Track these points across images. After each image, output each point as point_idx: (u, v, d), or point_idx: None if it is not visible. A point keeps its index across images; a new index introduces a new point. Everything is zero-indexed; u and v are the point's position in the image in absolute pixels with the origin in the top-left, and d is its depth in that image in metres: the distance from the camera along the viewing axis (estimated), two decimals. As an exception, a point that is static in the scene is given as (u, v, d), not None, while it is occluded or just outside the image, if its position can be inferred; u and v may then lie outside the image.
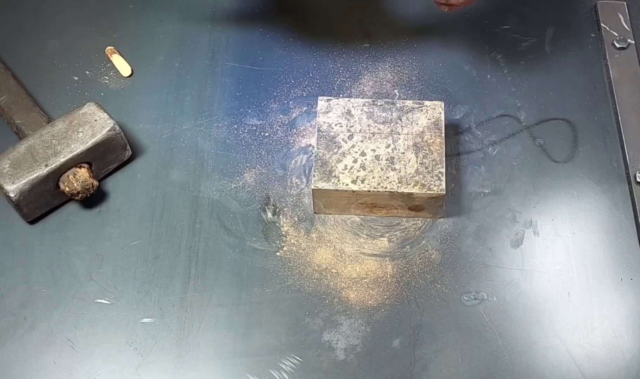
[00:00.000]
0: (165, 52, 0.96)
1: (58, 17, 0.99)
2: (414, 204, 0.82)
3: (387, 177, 0.80)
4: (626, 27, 0.97)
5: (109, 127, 0.82)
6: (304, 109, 0.91)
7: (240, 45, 0.96)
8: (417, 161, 0.81)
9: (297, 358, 0.76)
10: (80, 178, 0.80)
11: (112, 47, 0.95)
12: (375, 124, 0.83)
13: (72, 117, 0.82)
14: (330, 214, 0.84)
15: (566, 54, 0.95)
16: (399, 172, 0.81)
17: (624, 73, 0.93)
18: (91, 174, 0.81)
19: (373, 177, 0.81)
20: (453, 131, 0.89)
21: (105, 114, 0.83)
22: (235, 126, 0.90)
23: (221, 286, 0.80)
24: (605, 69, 0.94)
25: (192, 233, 0.83)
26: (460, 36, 0.98)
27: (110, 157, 0.84)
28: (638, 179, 0.85)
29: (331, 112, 0.84)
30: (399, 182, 0.80)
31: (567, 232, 0.83)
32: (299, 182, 0.86)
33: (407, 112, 0.84)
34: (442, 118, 0.84)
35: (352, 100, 0.85)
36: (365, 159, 0.82)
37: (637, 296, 0.79)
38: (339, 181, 0.81)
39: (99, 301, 0.79)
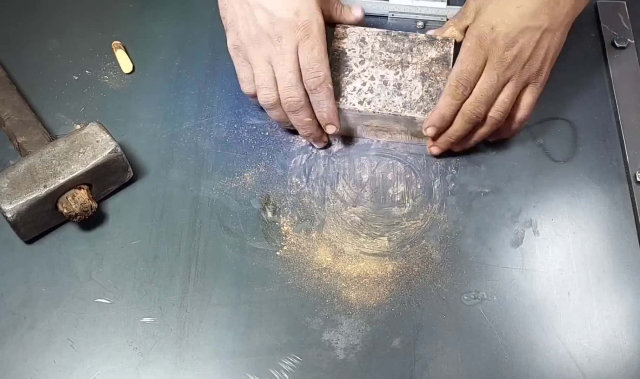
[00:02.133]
0: (166, 51, 0.96)
1: (58, 16, 0.99)
2: (416, 130, 0.85)
3: (393, 101, 0.84)
4: (626, 26, 0.97)
5: (110, 149, 0.81)
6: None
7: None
8: (422, 89, 0.85)
9: (297, 357, 0.76)
10: (79, 200, 0.79)
11: (118, 42, 0.95)
12: (387, 53, 0.87)
13: (74, 137, 0.82)
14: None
15: (566, 54, 0.94)
16: (404, 97, 0.85)
17: (623, 73, 0.93)
18: (90, 196, 0.80)
19: (379, 100, 0.85)
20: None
21: (107, 135, 0.82)
22: (235, 126, 0.90)
23: (221, 286, 0.80)
24: (605, 68, 0.94)
25: (192, 233, 0.83)
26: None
27: (111, 179, 0.83)
28: (638, 179, 0.85)
29: (346, 38, 0.88)
30: (403, 107, 0.84)
31: (567, 232, 0.83)
32: (299, 182, 0.86)
33: (419, 44, 0.88)
34: (452, 52, 0.87)
35: (367, 29, 0.89)
36: (374, 83, 0.86)
37: (637, 295, 0.79)
38: (346, 100, 0.85)
39: (99, 300, 0.79)
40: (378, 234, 0.83)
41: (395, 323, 0.78)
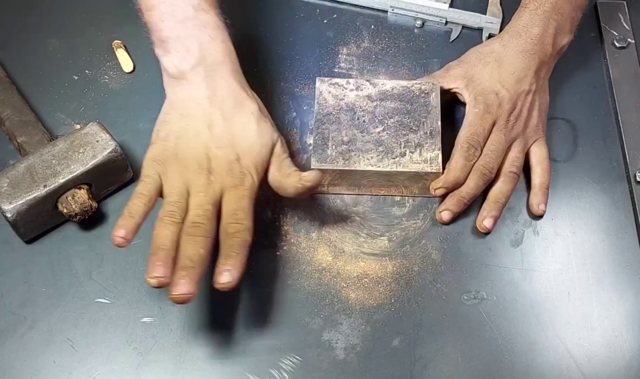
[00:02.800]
0: (165, 51, 0.95)
1: (58, 16, 0.99)
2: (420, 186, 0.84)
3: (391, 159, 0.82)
4: (626, 26, 0.97)
5: (110, 149, 0.81)
6: (304, 108, 0.91)
7: (240, 44, 0.96)
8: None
9: (297, 357, 0.76)
10: (79, 200, 0.79)
11: (119, 41, 0.95)
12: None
13: (73, 136, 0.82)
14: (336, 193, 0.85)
15: (566, 54, 0.95)
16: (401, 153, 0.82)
17: (624, 72, 0.93)
18: (90, 196, 0.80)
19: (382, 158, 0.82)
20: (454, 130, 0.89)
21: (107, 135, 0.82)
22: (235, 126, 0.90)
23: (221, 286, 0.80)
24: (605, 68, 0.95)
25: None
26: (461, 35, 0.98)
27: (111, 179, 0.83)
28: (638, 179, 0.85)
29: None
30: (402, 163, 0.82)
31: (567, 232, 0.83)
32: (299, 182, 0.86)
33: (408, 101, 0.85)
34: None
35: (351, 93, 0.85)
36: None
37: (637, 295, 0.79)
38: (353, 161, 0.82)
39: (99, 300, 0.79)
40: (378, 234, 0.83)
41: (395, 322, 0.78)
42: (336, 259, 0.81)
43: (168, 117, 0.78)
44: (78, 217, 0.80)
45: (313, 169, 0.80)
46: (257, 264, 0.81)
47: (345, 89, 0.85)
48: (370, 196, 0.85)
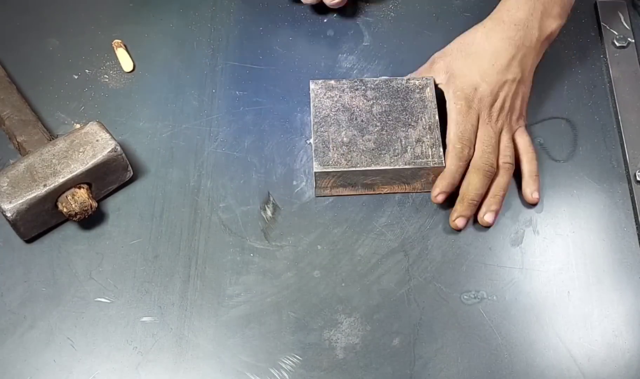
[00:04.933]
0: (165, 50, 0.95)
1: (57, 15, 0.98)
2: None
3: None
4: (626, 26, 0.97)
5: (110, 148, 0.81)
6: (305, 107, 0.91)
7: (241, 44, 0.96)
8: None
9: (297, 356, 0.76)
10: (78, 199, 0.79)
11: (119, 41, 0.95)
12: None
13: (73, 136, 0.81)
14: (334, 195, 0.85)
15: (566, 53, 0.95)
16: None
17: (624, 72, 0.93)
18: (90, 195, 0.80)
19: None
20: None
21: (107, 134, 0.82)
22: (235, 124, 0.90)
23: (221, 285, 0.80)
24: (605, 68, 0.94)
25: (192, 232, 0.83)
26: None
27: (110, 178, 0.83)
28: (638, 178, 0.85)
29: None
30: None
31: (567, 231, 0.83)
32: (299, 181, 0.86)
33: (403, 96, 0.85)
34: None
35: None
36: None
37: (637, 295, 0.79)
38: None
39: (99, 299, 0.79)
40: (378, 233, 0.83)
41: (395, 322, 0.78)
42: (336, 259, 0.81)
43: None
44: (78, 216, 0.80)
45: (316, 172, 0.81)
46: (257, 263, 0.81)
47: (340, 90, 0.86)
48: (370, 195, 0.85)
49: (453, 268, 0.81)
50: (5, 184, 0.78)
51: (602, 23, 0.97)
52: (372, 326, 0.77)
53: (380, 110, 0.84)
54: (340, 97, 0.85)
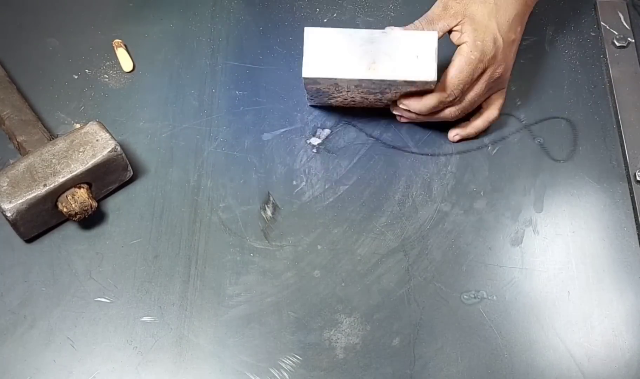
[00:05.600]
0: (165, 50, 0.95)
1: (58, 15, 0.98)
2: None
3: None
4: (626, 25, 0.97)
5: (110, 148, 0.81)
6: (304, 107, 0.91)
7: (240, 44, 0.96)
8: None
9: (297, 356, 0.76)
10: (78, 199, 0.79)
11: (119, 40, 0.95)
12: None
13: (73, 136, 0.82)
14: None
15: (566, 53, 0.95)
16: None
17: (624, 72, 0.93)
18: (90, 195, 0.80)
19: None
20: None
21: (107, 134, 0.82)
22: (235, 124, 0.90)
23: (221, 285, 0.80)
24: (605, 67, 0.94)
25: (192, 232, 0.83)
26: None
27: (110, 178, 0.83)
28: (638, 178, 0.85)
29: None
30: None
31: (567, 231, 0.83)
32: (299, 181, 0.86)
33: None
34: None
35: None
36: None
37: (637, 295, 0.79)
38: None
39: (99, 299, 0.79)
40: (378, 233, 0.83)
41: (395, 322, 0.78)
42: (336, 259, 0.81)
43: None
44: (78, 216, 0.80)
45: (305, 78, 0.81)
46: (257, 263, 0.81)
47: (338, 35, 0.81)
48: (370, 195, 0.85)
49: (453, 268, 0.81)
50: (5, 184, 0.78)
51: (602, 23, 0.97)
52: (372, 326, 0.77)
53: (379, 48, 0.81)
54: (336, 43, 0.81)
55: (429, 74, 0.79)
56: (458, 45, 0.82)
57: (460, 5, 0.82)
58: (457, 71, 0.81)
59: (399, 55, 0.80)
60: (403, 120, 0.89)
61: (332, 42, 0.81)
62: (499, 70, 0.83)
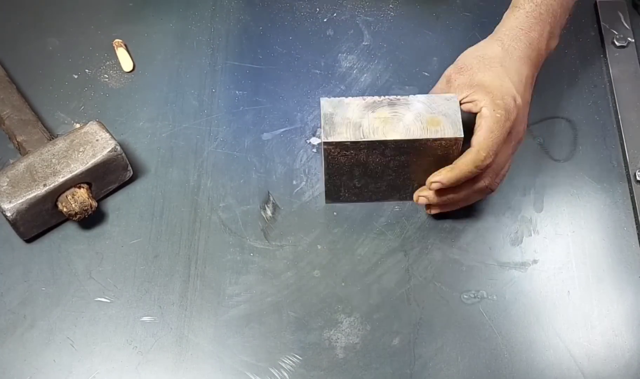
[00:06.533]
0: (165, 50, 0.96)
1: (58, 15, 0.99)
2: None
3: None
4: (626, 25, 0.97)
5: (110, 148, 0.81)
6: (304, 106, 0.91)
7: (240, 43, 0.96)
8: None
9: (297, 356, 0.76)
10: (78, 199, 0.79)
11: (119, 40, 0.95)
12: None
13: (73, 135, 0.82)
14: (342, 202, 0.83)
15: (566, 53, 0.95)
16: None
17: (624, 71, 0.93)
18: (90, 195, 0.80)
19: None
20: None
21: (107, 134, 0.82)
22: (235, 124, 0.90)
23: (221, 285, 0.80)
24: (605, 67, 0.94)
25: (192, 232, 0.83)
26: (461, 34, 0.98)
27: (110, 178, 0.83)
28: (638, 178, 0.85)
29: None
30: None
31: (567, 231, 0.83)
32: (299, 181, 0.86)
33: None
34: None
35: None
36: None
37: (637, 294, 0.79)
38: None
39: (99, 299, 0.79)
40: (378, 233, 0.83)
41: (395, 321, 0.78)
42: (336, 259, 0.81)
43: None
44: (78, 216, 0.80)
45: (322, 142, 0.75)
46: (257, 263, 0.81)
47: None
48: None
49: (453, 268, 0.81)
50: (5, 184, 0.78)
51: (602, 23, 0.97)
52: (372, 326, 0.77)
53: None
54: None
55: (456, 131, 0.75)
56: (475, 114, 0.77)
57: (465, 76, 0.79)
58: (487, 132, 0.75)
59: (421, 116, 0.76)
60: (433, 211, 0.82)
61: (348, 108, 0.77)
62: (521, 128, 0.78)
